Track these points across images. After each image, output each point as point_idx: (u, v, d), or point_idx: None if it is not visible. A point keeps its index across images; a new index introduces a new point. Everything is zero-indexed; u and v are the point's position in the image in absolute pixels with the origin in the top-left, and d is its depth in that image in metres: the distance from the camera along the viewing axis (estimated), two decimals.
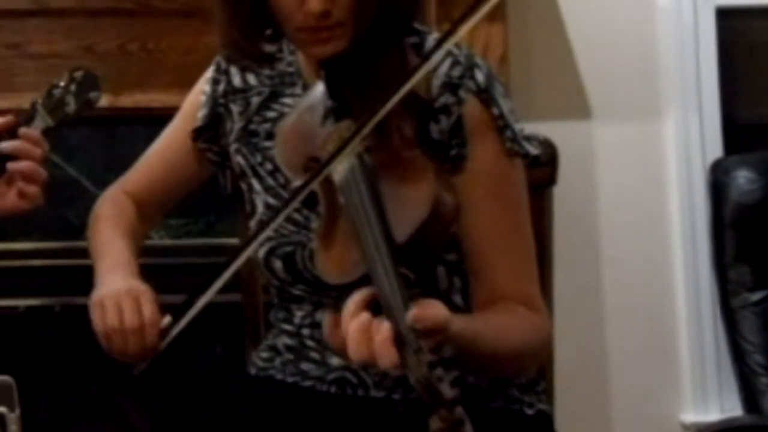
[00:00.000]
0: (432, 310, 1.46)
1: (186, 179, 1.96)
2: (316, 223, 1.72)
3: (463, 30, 1.58)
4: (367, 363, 1.45)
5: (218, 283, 1.65)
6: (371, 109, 1.59)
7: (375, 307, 1.48)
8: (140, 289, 1.74)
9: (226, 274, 1.65)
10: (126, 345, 1.69)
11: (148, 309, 1.70)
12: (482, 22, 2.77)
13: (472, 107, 1.73)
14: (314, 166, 1.63)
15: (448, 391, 1.40)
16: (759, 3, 3.12)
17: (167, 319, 1.70)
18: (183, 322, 1.68)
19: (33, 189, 1.85)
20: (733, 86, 3.07)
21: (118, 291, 1.72)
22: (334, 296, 1.73)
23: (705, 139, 3.01)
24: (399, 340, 1.43)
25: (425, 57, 1.62)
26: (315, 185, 1.61)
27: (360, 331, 1.45)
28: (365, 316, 1.46)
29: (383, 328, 1.43)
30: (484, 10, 1.56)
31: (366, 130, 1.59)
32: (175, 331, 1.69)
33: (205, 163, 1.94)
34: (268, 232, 1.68)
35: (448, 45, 1.61)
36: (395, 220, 1.55)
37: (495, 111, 1.73)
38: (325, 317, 1.51)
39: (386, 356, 1.43)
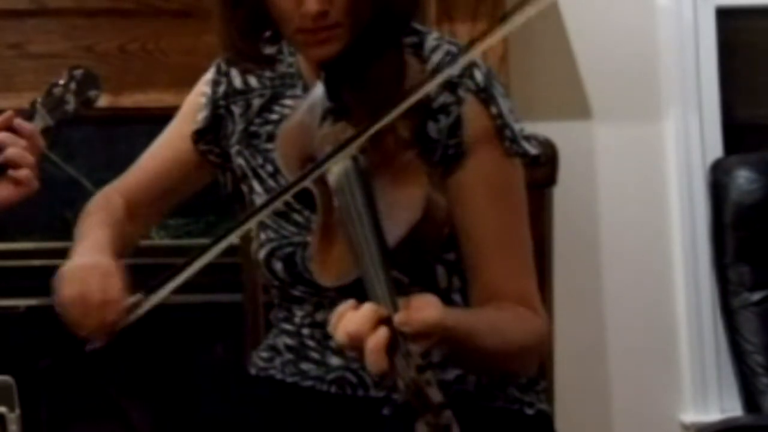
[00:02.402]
0: (421, 313, 1.46)
1: (182, 182, 1.96)
2: (314, 225, 1.72)
3: (480, 48, 1.59)
4: (354, 346, 1.44)
5: (189, 271, 1.63)
6: (374, 117, 1.59)
7: None
8: (109, 263, 1.72)
9: (193, 267, 1.64)
10: (85, 318, 1.67)
11: (114, 285, 1.68)
12: (482, 22, 2.79)
13: (471, 106, 1.73)
14: (310, 167, 1.63)
15: (436, 395, 1.39)
16: (759, 3, 3.13)
17: (135, 298, 1.68)
18: (148, 304, 1.66)
19: (23, 172, 1.86)
20: (733, 86, 3.07)
21: (86, 264, 1.72)
22: (334, 296, 1.73)
23: (705, 139, 3.01)
24: (389, 344, 1.43)
25: (436, 70, 1.62)
26: (307, 183, 1.61)
27: (365, 317, 1.44)
28: (376, 310, 1.46)
29: (380, 333, 1.43)
30: (504, 30, 1.56)
31: (364, 137, 1.59)
32: (138, 312, 1.66)
33: (204, 166, 1.93)
34: (255, 219, 1.67)
35: (465, 59, 1.61)
36: (388, 222, 1.55)
37: (494, 110, 1.73)
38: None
39: (376, 361, 1.42)
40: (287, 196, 1.63)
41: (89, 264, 1.72)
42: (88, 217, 1.91)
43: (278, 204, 1.66)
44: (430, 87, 1.62)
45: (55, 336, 2.89)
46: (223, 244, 1.64)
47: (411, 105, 1.61)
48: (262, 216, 1.69)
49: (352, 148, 1.60)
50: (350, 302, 1.48)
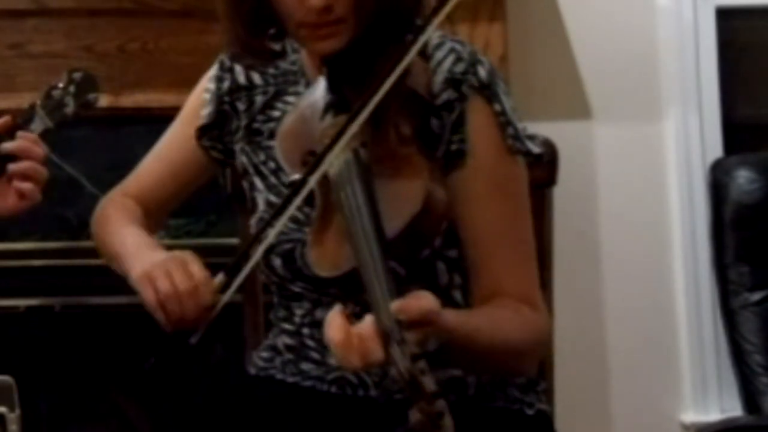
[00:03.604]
0: (417, 302, 1.46)
1: (190, 179, 1.96)
2: (312, 216, 1.73)
3: (447, 9, 1.59)
4: (360, 367, 1.45)
5: (256, 257, 1.65)
6: (364, 98, 1.60)
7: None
8: (183, 253, 1.72)
9: (254, 259, 1.66)
10: (182, 309, 1.66)
11: (197, 269, 1.68)
12: (482, 22, 2.80)
13: (474, 103, 1.73)
14: (311, 160, 1.63)
15: (430, 383, 1.40)
16: (759, 3, 3.13)
17: (220, 277, 1.68)
18: (235, 283, 1.66)
19: (28, 186, 1.85)
20: (733, 86, 3.07)
21: (162, 260, 1.70)
22: (333, 294, 1.74)
23: (705, 139, 3.01)
24: (384, 333, 1.43)
25: (412, 40, 1.62)
26: (314, 179, 1.62)
27: (341, 331, 1.45)
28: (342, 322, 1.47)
29: (366, 320, 1.44)
30: None
31: (360, 120, 1.59)
32: (229, 292, 1.67)
33: (208, 162, 1.93)
34: (283, 219, 1.67)
35: (433, 27, 1.61)
36: (387, 214, 1.56)
37: (497, 107, 1.74)
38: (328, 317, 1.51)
39: (370, 349, 1.43)
40: (304, 193, 1.63)
41: (164, 259, 1.71)
42: (111, 223, 1.90)
43: (294, 205, 1.67)
44: (409, 59, 1.62)
45: (54, 337, 2.90)
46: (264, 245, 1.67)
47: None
48: (287, 217, 1.69)
49: (352, 139, 1.60)
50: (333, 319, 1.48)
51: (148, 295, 1.68)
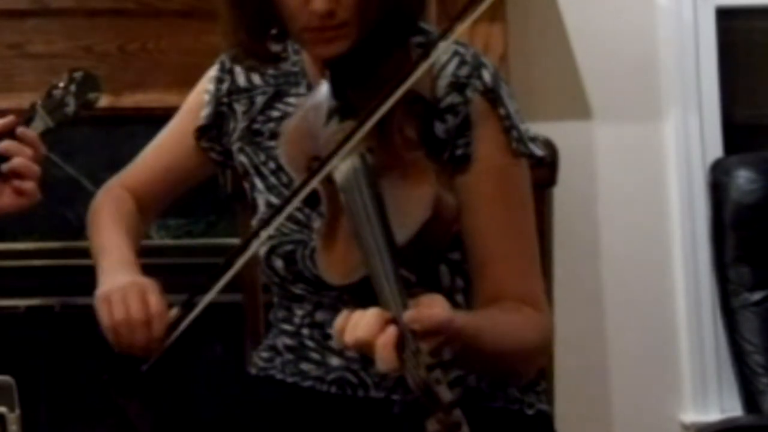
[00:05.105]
0: (431, 311, 1.46)
1: (185, 177, 1.96)
2: (318, 223, 1.72)
3: (462, 27, 1.58)
4: (362, 350, 1.45)
5: (224, 280, 1.65)
6: (372, 107, 1.59)
7: None
8: (145, 281, 1.74)
9: (232, 271, 1.66)
10: (133, 338, 1.69)
11: (154, 301, 1.70)
12: (482, 22, 2.80)
13: (478, 107, 1.73)
14: (317, 165, 1.63)
15: (446, 393, 1.39)
16: (759, 3, 3.13)
17: (174, 312, 1.70)
18: (190, 317, 1.68)
19: (29, 185, 1.85)
20: (733, 86, 3.07)
21: (123, 285, 1.73)
22: (334, 296, 1.74)
23: (705, 139, 3.01)
24: (398, 342, 1.43)
25: (424, 54, 1.62)
26: (316, 183, 1.62)
27: (373, 321, 1.44)
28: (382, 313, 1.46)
29: (389, 331, 1.43)
30: (483, 7, 1.56)
31: (366, 128, 1.59)
32: (182, 325, 1.69)
33: (205, 161, 1.94)
34: (272, 229, 1.68)
35: (448, 42, 1.61)
36: (396, 221, 1.55)
37: (501, 111, 1.74)
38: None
39: (386, 359, 1.42)
40: (301, 197, 1.63)
41: (126, 284, 1.73)
42: (102, 219, 1.91)
43: (290, 208, 1.66)
44: (421, 72, 1.62)
45: (54, 337, 2.90)
46: (253, 247, 1.67)
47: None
48: (281, 219, 1.68)
49: (358, 144, 1.60)
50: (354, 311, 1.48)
51: (102, 317, 1.71)
